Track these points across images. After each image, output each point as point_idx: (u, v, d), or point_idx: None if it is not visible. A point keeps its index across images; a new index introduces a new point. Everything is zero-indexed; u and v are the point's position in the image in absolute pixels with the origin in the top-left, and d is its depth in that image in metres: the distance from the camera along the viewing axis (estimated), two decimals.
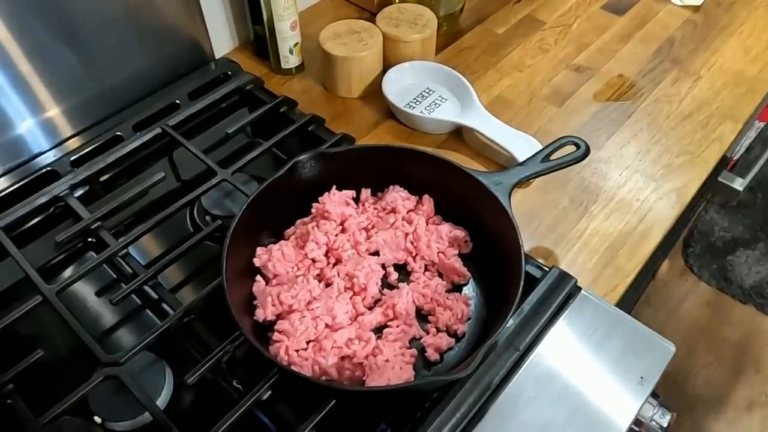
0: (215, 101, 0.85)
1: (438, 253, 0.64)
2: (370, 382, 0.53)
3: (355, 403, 0.58)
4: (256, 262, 0.62)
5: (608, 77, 0.94)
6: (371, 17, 0.92)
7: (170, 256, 0.65)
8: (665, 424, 0.59)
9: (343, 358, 0.55)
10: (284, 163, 0.63)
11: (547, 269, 0.64)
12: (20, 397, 0.56)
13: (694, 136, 0.85)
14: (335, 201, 0.65)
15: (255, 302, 0.60)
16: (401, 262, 0.64)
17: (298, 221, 0.66)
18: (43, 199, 0.72)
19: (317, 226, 0.63)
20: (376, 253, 0.63)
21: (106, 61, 0.80)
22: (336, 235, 0.63)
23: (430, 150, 0.70)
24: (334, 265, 0.62)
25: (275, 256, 0.61)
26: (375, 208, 0.66)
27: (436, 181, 0.66)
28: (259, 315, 0.58)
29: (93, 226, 0.69)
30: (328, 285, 0.60)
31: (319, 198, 0.66)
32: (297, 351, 0.55)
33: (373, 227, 0.65)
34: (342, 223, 0.64)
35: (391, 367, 0.54)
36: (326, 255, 0.62)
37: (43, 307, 0.61)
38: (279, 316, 0.58)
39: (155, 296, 0.65)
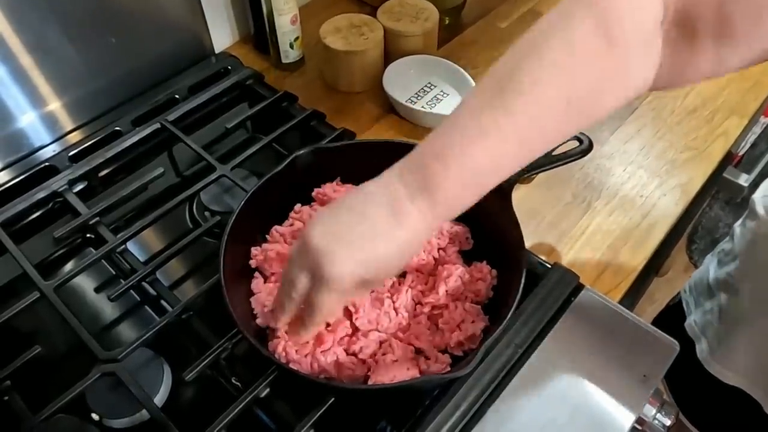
0: (215, 96, 0.85)
1: (438, 249, 0.63)
2: (375, 379, 0.53)
3: (354, 401, 0.58)
4: (252, 263, 0.61)
5: None
6: (372, 11, 0.91)
7: (169, 252, 0.65)
8: (668, 423, 0.58)
9: (347, 354, 0.55)
10: (284, 159, 0.63)
11: (549, 266, 0.63)
12: (17, 394, 0.56)
13: (698, 131, 0.84)
14: (338, 190, 0.65)
15: (252, 298, 0.59)
16: None
17: (291, 213, 0.65)
18: (41, 195, 0.72)
19: (313, 209, 0.63)
20: None
21: (106, 55, 0.79)
22: None
23: None
24: None
25: (271, 256, 0.60)
26: None
27: None
28: (260, 322, 0.57)
29: (91, 222, 0.68)
30: None
31: (322, 185, 0.65)
32: (296, 349, 0.54)
33: None
34: None
35: (398, 366, 0.53)
36: None
37: (41, 303, 0.61)
38: None
39: (154, 292, 0.64)
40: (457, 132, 0.43)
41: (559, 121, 0.43)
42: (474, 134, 0.42)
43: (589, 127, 0.45)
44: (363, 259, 0.44)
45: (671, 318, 0.86)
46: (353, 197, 0.46)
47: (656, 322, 0.92)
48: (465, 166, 0.42)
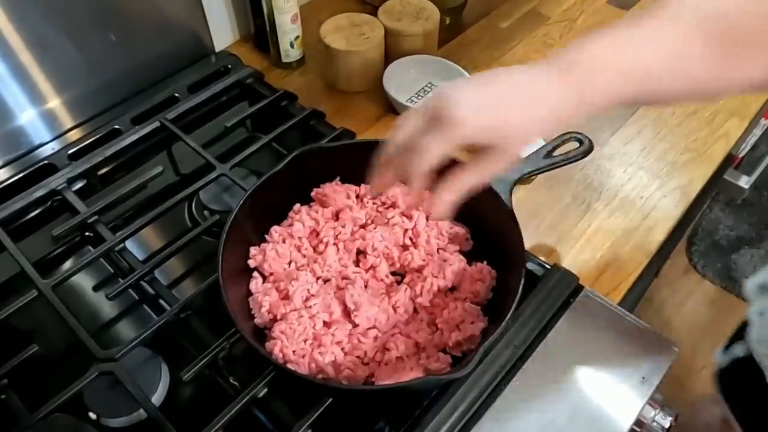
0: (215, 95, 0.84)
1: (438, 249, 0.63)
2: (379, 381, 0.52)
3: (352, 402, 0.58)
4: (251, 263, 0.61)
5: None
6: (373, 11, 0.91)
7: (167, 251, 0.65)
8: (667, 425, 0.58)
9: (346, 354, 0.55)
10: (284, 158, 0.63)
11: (549, 267, 0.63)
12: (14, 393, 0.56)
13: (699, 132, 0.84)
14: (337, 190, 0.65)
15: (250, 298, 0.59)
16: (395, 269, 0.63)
17: (290, 212, 0.65)
18: (40, 193, 0.71)
19: (312, 210, 0.63)
20: (360, 252, 0.62)
21: (106, 52, 0.79)
22: (326, 222, 0.63)
23: None
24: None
25: (270, 256, 0.60)
26: (374, 203, 0.65)
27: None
28: (257, 321, 0.57)
29: (90, 220, 0.68)
30: (326, 281, 0.60)
31: (321, 185, 0.65)
32: (293, 350, 0.54)
33: (372, 222, 0.64)
34: (337, 214, 0.64)
35: (402, 368, 0.53)
36: (309, 237, 0.62)
37: (39, 302, 0.61)
38: (275, 318, 0.57)
39: (152, 291, 0.64)
40: (607, 36, 0.44)
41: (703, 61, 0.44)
42: (624, 36, 0.44)
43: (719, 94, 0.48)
44: (489, 107, 0.42)
45: (745, 371, 0.78)
46: (498, 70, 0.45)
47: (726, 374, 0.76)
48: (613, 64, 0.43)
